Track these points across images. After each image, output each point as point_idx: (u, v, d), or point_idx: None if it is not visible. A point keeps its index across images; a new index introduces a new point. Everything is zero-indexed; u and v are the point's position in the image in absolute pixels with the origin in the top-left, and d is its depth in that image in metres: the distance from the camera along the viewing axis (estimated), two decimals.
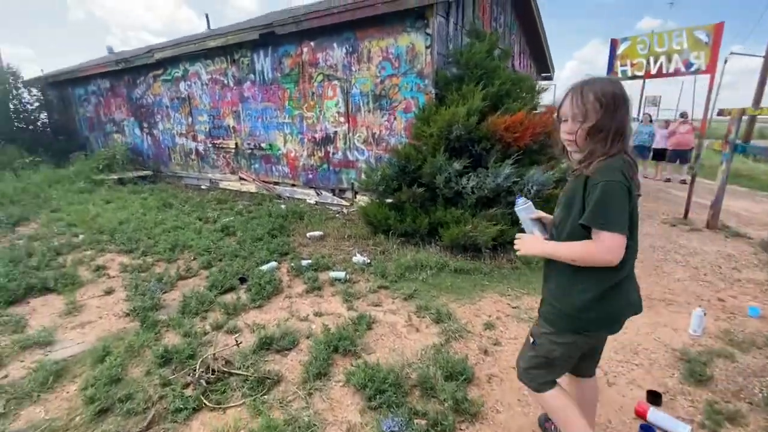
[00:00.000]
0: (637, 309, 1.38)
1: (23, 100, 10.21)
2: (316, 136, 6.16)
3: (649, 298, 3.26)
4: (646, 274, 3.76)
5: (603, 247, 1.19)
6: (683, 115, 9.42)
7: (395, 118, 5.29)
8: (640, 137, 9.44)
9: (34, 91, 10.63)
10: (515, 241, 1.49)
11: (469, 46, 4.55)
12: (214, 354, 2.38)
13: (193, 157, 8.18)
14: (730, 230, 5.03)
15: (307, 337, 2.67)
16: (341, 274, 3.59)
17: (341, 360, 2.42)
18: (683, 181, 8.91)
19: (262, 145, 6.88)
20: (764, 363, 2.35)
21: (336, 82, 5.72)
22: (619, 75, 6.12)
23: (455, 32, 5.18)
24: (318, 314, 2.99)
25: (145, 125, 8.92)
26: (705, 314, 2.74)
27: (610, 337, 1.61)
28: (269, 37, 5.97)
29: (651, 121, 10.13)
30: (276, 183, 6.98)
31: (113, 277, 3.76)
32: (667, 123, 9.88)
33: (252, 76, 6.62)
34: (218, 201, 6.72)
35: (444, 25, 4.90)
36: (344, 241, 4.63)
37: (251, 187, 7.31)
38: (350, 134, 5.79)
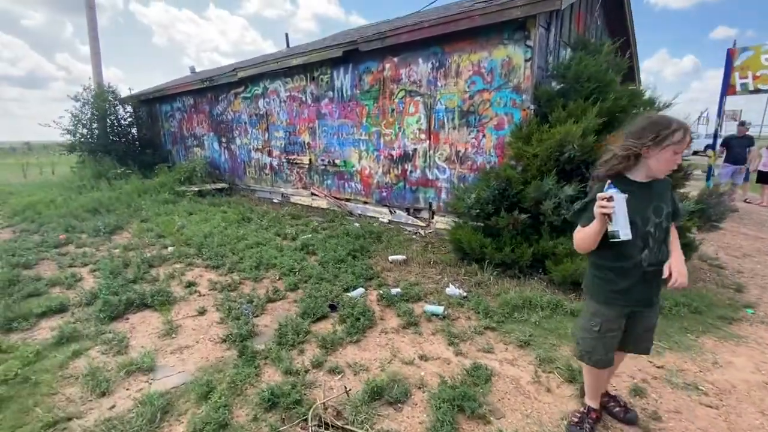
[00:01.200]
0: None
1: (119, 116, 11.17)
2: (394, 153, 5.95)
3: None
4: None
5: None
6: (742, 123, 8.07)
7: (484, 136, 4.92)
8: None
9: (129, 107, 11.61)
10: (676, 275, 1.61)
11: (577, 58, 4.10)
12: (324, 403, 2.12)
13: (267, 171, 8.36)
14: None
15: (419, 388, 2.35)
16: (439, 310, 3.25)
17: (467, 423, 2.06)
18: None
19: (336, 161, 6.82)
20: None
21: (419, 98, 5.49)
22: (738, 88, 5.32)
23: (555, 44, 4.75)
24: (423, 357, 2.66)
25: (224, 140, 9.32)
26: None
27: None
28: (351, 53, 5.92)
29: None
30: (347, 199, 6.86)
31: (204, 295, 3.71)
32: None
33: (330, 93, 6.62)
34: (292, 216, 6.71)
35: (544, 36, 4.50)
36: (430, 268, 4.30)
37: (322, 203, 7.26)
38: (431, 152, 5.50)
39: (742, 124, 8.18)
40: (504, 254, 3.79)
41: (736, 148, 7.87)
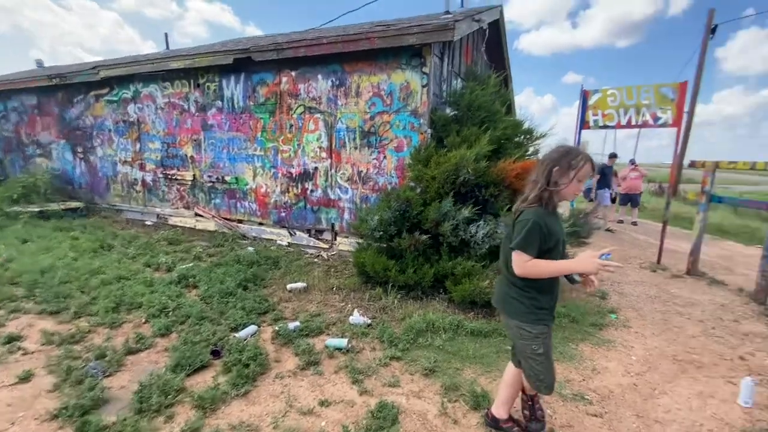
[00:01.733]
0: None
1: None
2: (293, 171, 5.58)
3: (677, 360, 3.05)
4: (660, 330, 3.60)
5: None
6: (632, 162, 10.15)
7: (385, 157, 4.92)
8: (588, 182, 9.96)
9: None
10: (596, 282, 1.78)
11: (469, 88, 4.39)
12: None
13: (138, 188, 7.11)
14: (707, 276, 5.18)
15: None
16: (342, 343, 2.98)
17: None
18: (634, 223, 9.49)
19: (227, 178, 6.12)
20: None
21: (319, 115, 5.27)
22: (591, 124, 6.39)
23: (448, 73, 5.04)
24: (324, 403, 2.35)
25: (79, 150, 7.69)
26: (756, 384, 2.54)
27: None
28: (243, 63, 5.43)
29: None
30: (240, 221, 6.19)
31: (33, 352, 2.80)
32: (615, 172, 10.60)
33: (219, 102, 5.96)
34: (170, 241, 5.76)
35: (439, 65, 4.73)
36: (333, 295, 4.02)
37: (209, 225, 6.42)
38: (333, 171, 5.30)
39: (614, 156, 9.89)
40: (407, 276, 3.73)
41: (609, 175, 9.50)
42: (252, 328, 3.20)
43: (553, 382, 1.85)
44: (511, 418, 2.15)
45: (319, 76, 5.16)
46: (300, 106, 5.36)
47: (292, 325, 3.25)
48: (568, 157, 1.65)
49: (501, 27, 7.23)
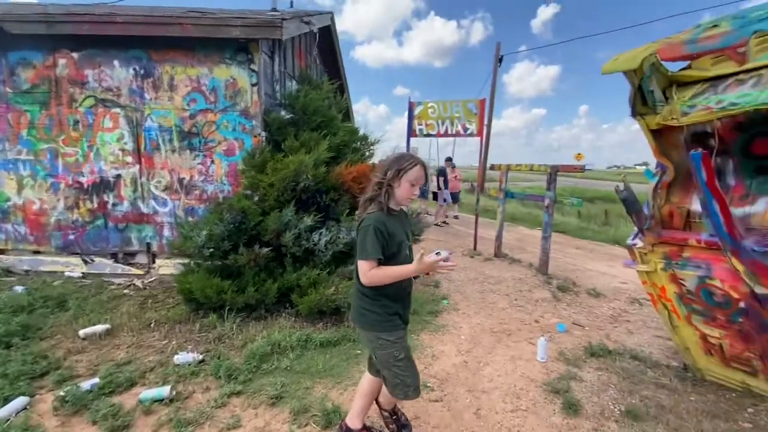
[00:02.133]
0: None
1: None
2: (84, 180, 4.36)
3: (494, 332, 3.60)
4: (480, 307, 4.22)
5: None
6: (449, 159, 11.85)
7: (213, 162, 4.32)
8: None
9: None
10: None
11: (304, 91, 4.24)
12: None
13: None
14: (508, 257, 6.42)
15: None
16: (162, 392, 2.40)
17: None
18: (456, 217, 11.20)
19: None
20: (597, 376, 2.85)
21: (118, 110, 4.25)
22: (418, 133, 7.16)
23: (281, 74, 4.78)
24: None
25: None
26: (548, 341, 3.18)
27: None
28: None
29: None
30: (1, 251, 4.51)
31: None
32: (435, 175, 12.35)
33: None
34: None
35: (269, 64, 4.43)
36: (150, 333, 3.26)
37: None
38: (144, 179, 4.36)
39: (449, 159, 11.26)
40: (247, 296, 3.33)
41: (447, 177, 10.75)
42: (20, 402, 2.29)
43: (419, 383, 1.85)
44: (365, 427, 2.08)
45: (116, 62, 4.17)
46: (89, 97, 4.23)
47: (87, 384, 2.45)
48: (399, 162, 1.69)
49: (333, 34, 7.37)
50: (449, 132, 6.93)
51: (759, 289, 1.99)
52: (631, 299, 4.61)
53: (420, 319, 3.77)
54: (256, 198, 3.77)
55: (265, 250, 3.44)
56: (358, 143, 4.69)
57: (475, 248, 6.95)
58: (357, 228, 1.73)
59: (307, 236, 3.51)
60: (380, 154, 4.59)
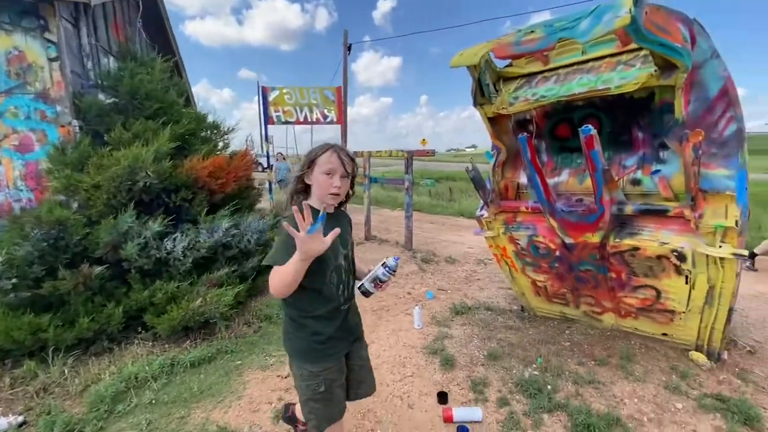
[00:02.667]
0: None
1: None
2: None
3: (374, 311, 3.78)
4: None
5: None
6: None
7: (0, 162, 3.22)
8: (281, 173, 10.90)
9: None
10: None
11: (128, 70, 3.48)
12: None
13: None
14: (377, 238, 6.78)
15: None
16: None
17: None
18: None
19: None
20: (463, 331, 3.29)
21: None
22: (275, 120, 6.80)
23: (92, 48, 3.82)
24: None
25: None
26: (421, 309, 3.50)
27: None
28: None
29: (284, 158, 11.90)
30: None
31: None
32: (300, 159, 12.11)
33: None
34: None
35: (74, 34, 3.49)
36: None
37: None
38: None
39: (279, 153, 11.02)
40: (80, 329, 2.64)
41: (282, 170, 10.42)
42: None
43: (338, 416, 1.54)
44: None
45: None
46: None
47: None
48: (311, 152, 1.42)
49: (160, 4, 6.27)
50: (308, 119, 6.81)
51: (567, 240, 2.59)
52: (478, 261, 5.45)
53: None
54: (76, 205, 3.00)
55: (99, 268, 2.78)
56: (208, 132, 4.16)
57: None
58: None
59: (157, 244, 2.97)
60: (237, 143, 4.18)
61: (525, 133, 2.22)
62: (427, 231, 7.74)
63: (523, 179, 2.88)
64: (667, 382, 2.48)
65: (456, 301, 3.90)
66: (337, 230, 1.21)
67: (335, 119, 6.78)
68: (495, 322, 3.42)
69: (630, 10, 1.53)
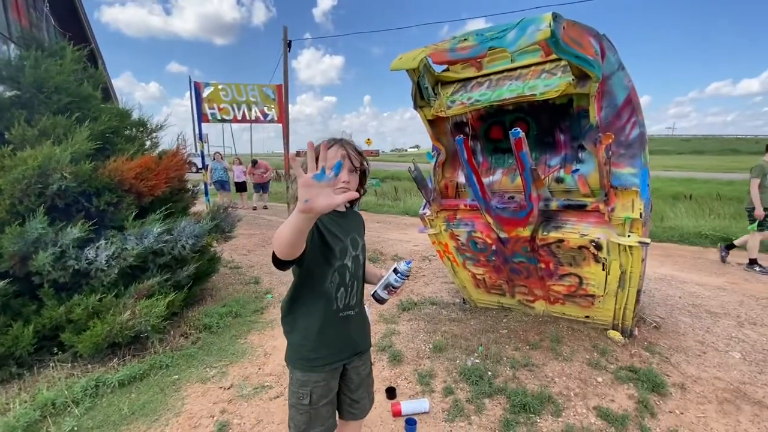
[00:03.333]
0: None
1: None
2: None
3: None
4: None
5: None
6: (254, 162, 11.22)
7: None
8: (217, 173, 10.36)
9: None
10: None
11: (32, 59, 3.07)
12: None
13: None
14: None
15: None
16: None
17: None
18: (265, 207, 10.84)
19: None
20: (410, 326, 3.38)
21: None
22: (210, 117, 6.43)
23: None
24: None
25: None
26: (369, 308, 3.52)
27: None
28: None
29: (222, 158, 11.29)
30: None
31: None
32: (239, 160, 11.64)
33: None
34: None
35: None
36: None
37: None
38: None
39: (217, 152, 10.74)
40: None
41: (220, 171, 9.98)
42: None
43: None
44: None
45: None
46: None
47: None
48: (314, 150, 1.26)
49: None
50: (247, 117, 6.54)
51: (502, 234, 2.77)
52: (423, 257, 5.63)
53: (245, 320, 3.53)
54: None
55: (0, 283, 2.44)
56: (133, 130, 3.82)
57: None
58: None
59: (75, 254, 2.67)
60: (168, 142, 3.88)
61: (462, 136, 2.34)
62: (374, 230, 7.80)
63: (461, 179, 3.03)
64: (589, 359, 2.77)
65: (403, 298, 3.99)
66: (352, 194, 1.00)
67: (276, 118, 6.58)
68: (439, 316, 3.56)
69: (550, 24, 1.69)
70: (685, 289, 4.23)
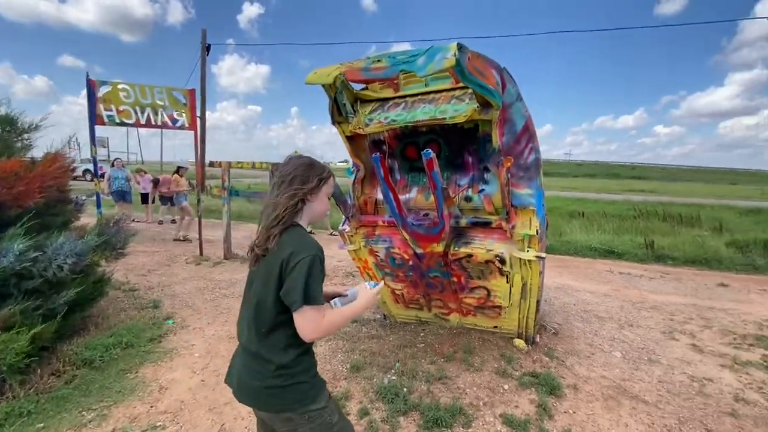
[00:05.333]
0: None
1: None
2: None
3: (231, 338, 3.45)
4: (214, 316, 3.92)
5: None
6: (156, 182, 10.12)
7: None
8: (118, 183, 9.23)
9: None
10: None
11: None
12: None
13: None
14: (239, 256, 6.27)
15: None
16: None
17: None
18: (173, 221, 9.85)
19: None
20: (328, 346, 3.26)
21: None
22: (106, 120, 5.69)
23: None
24: None
25: None
26: None
27: None
28: None
29: (123, 165, 10.09)
30: None
31: None
32: (144, 171, 10.53)
33: None
34: None
35: None
36: None
37: None
38: None
39: (118, 159, 9.55)
40: None
41: (121, 179, 8.93)
42: None
43: None
44: None
45: None
46: None
47: None
48: (315, 169, 1.31)
49: None
50: (153, 122, 5.92)
51: (418, 250, 2.84)
52: (346, 274, 5.56)
53: (137, 351, 3.09)
54: None
55: None
56: (4, 128, 3.21)
57: (201, 253, 6.37)
58: (291, 262, 1.17)
59: None
60: (45, 145, 3.30)
61: (378, 153, 2.37)
62: None
63: (380, 195, 3.06)
64: (497, 368, 2.93)
65: None
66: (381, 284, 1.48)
67: (186, 124, 6.06)
68: (359, 333, 3.51)
69: (455, 54, 1.79)
70: (579, 296, 4.76)
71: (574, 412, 2.49)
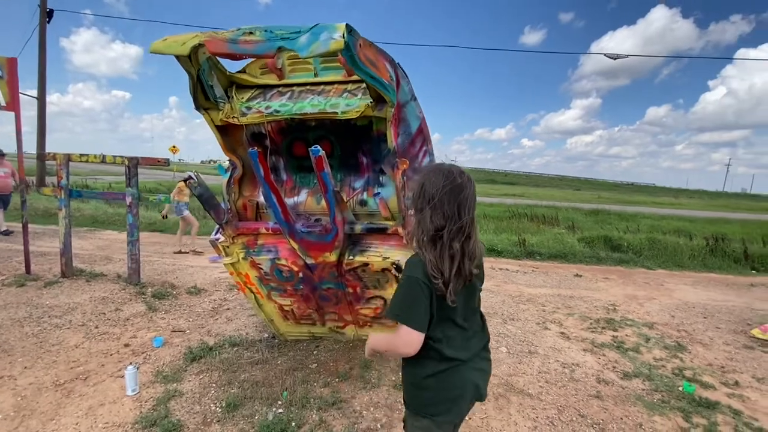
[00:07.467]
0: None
1: None
2: None
3: (59, 385, 2.62)
4: (35, 358, 2.96)
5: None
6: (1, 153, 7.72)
7: None
8: None
9: None
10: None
11: None
12: None
13: None
14: (85, 273, 5.02)
15: None
16: None
17: None
18: (5, 232, 7.55)
19: None
20: (198, 381, 2.69)
21: None
22: None
23: None
24: None
25: None
26: (138, 368, 2.64)
27: None
28: None
29: None
30: None
31: None
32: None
33: None
34: None
35: None
36: None
37: None
38: None
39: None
40: None
41: None
42: None
43: None
44: None
45: None
46: None
47: None
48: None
49: None
50: None
51: (308, 260, 2.51)
52: (230, 286, 4.88)
53: None
54: None
55: None
56: None
57: (27, 272, 4.92)
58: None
59: None
60: None
61: (257, 148, 1.97)
62: (169, 256, 6.45)
63: (261, 198, 2.64)
64: (395, 381, 2.77)
65: (194, 344, 3.24)
66: None
67: (3, 102, 4.61)
68: (240, 360, 3.01)
69: (343, 35, 1.53)
70: None
71: (469, 418, 2.46)
